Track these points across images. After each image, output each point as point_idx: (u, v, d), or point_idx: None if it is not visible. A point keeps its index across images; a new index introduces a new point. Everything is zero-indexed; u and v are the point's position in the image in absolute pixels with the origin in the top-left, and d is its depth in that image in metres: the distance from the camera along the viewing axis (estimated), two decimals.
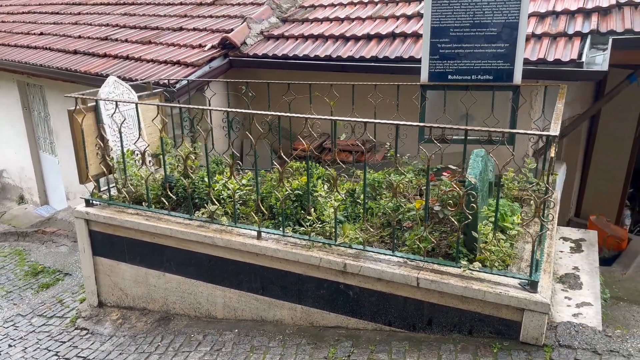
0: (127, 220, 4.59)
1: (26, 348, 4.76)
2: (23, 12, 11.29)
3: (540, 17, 5.51)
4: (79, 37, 8.43)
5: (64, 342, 4.72)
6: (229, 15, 7.39)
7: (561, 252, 4.73)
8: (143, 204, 4.70)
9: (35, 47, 8.53)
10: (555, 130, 3.24)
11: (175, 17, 8.10)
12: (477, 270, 3.51)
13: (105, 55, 7.28)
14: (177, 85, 5.58)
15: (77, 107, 4.57)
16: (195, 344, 4.22)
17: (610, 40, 4.96)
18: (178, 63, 6.30)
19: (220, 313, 4.52)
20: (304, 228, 4.07)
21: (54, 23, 9.72)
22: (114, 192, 4.89)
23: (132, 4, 9.58)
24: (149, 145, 5.05)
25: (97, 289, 5.08)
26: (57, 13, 10.39)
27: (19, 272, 6.89)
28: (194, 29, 7.32)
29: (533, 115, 5.57)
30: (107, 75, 6.59)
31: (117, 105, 4.47)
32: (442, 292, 3.55)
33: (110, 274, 4.96)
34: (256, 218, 4.15)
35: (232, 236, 4.21)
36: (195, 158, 5.00)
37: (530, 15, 5.56)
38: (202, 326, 4.47)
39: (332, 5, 6.96)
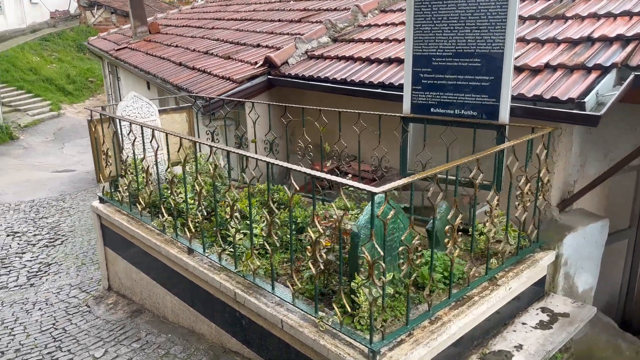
0: (116, 219, 5.24)
1: (45, 313, 5.74)
2: (182, 26, 13.10)
3: (573, 44, 4.64)
4: (193, 50, 9.55)
5: (68, 314, 5.59)
6: (300, 34, 7.65)
7: (524, 324, 4.00)
8: (138, 206, 5.28)
9: (162, 58, 9.91)
10: (384, 187, 2.84)
11: (265, 34, 8.66)
12: (329, 325, 3.27)
13: (193, 69, 8.16)
14: (199, 102, 6.08)
15: (93, 118, 5.35)
16: (135, 339, 4.66)
17: (631, 76, 4.00)
18: (229, 79, 6.81)
19: (170, 316, 4.89)
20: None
21: (191, 36, 11.11)
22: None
23: (250, 19, 10.44)
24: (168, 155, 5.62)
25: (108, 275, 5.87)
26: (199, 27, 11.84)
27: None
28: (266, 46, 7.76)
29: (555, 159, 4.74)
30: (180, 88, 7.47)
31: (112, 120, 5.12)
32: (301, 340, 3.38)
33: (114, 264, 5.70)
34: (188, 234, 4.40)
35: (173, 248, 4.54)
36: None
37: (561, 42, 4.74)
38: (155, 325, 4.89)
39: (386, 25, 6.75)
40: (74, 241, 8.91)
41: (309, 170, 3.22)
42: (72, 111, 23.88)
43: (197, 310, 4.46)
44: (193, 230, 4.33)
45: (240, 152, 3.72)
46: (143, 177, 4.75)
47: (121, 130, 5.04)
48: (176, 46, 10.68)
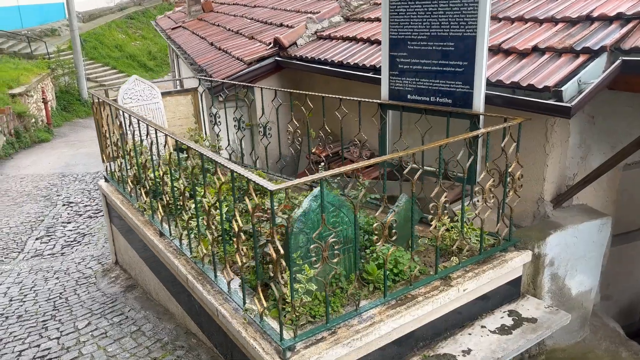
0: (113, 198, 5.48)
1: (59, 282, 6.17)
2: (232, 4, 13.20)
3: (571, 23, 4.18)
4: (228, 29, 9.63)
5: (77, 284, 5.97)
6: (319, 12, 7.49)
7: (483, 327, 3.77)
8: (128, 187, 5.46)
9: (201, 37, 10.09)
10: (281, 185, 2.73)
11: (292, 12, 8.55)
12: (252, 318, 3.25)
13: (219, 49, 8.25)
14: (201, 88, 6.16)
15: (94, 102, 5.59)
16: (118, 314, 4.91)
17: (618, 61, 3.56)
18: (241, 60, 6.82)
19: (154, 294, 5.09)
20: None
21: (233, 15, 11.21)
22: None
23: None
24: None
25: (114, 249, 6.19)
26: (244, 5, 11.88)
27: None
28: (287, 26, 7.67)
29: (549, 150, 4.35)
30: (201, 69, 7.59)
31: (104, 104, 5.31)
32: (231, 331, 3.40)
33: (117, 240, 5.99)
34: (160, 217, 4.51)
35: (150, 229, 4.68)
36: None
37: (559, 21, 4.30)
38: (141, 301, 5.11)
39: None
40: None
41: (227, 163, 3.17)
42: None
43: (169, 291, 4.61)
44: (162, 214, 4.44)
45: (193, 145, 3.73)
46: (128, 159, 4.91)
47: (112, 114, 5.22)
48: (218, 25, 10.82)
